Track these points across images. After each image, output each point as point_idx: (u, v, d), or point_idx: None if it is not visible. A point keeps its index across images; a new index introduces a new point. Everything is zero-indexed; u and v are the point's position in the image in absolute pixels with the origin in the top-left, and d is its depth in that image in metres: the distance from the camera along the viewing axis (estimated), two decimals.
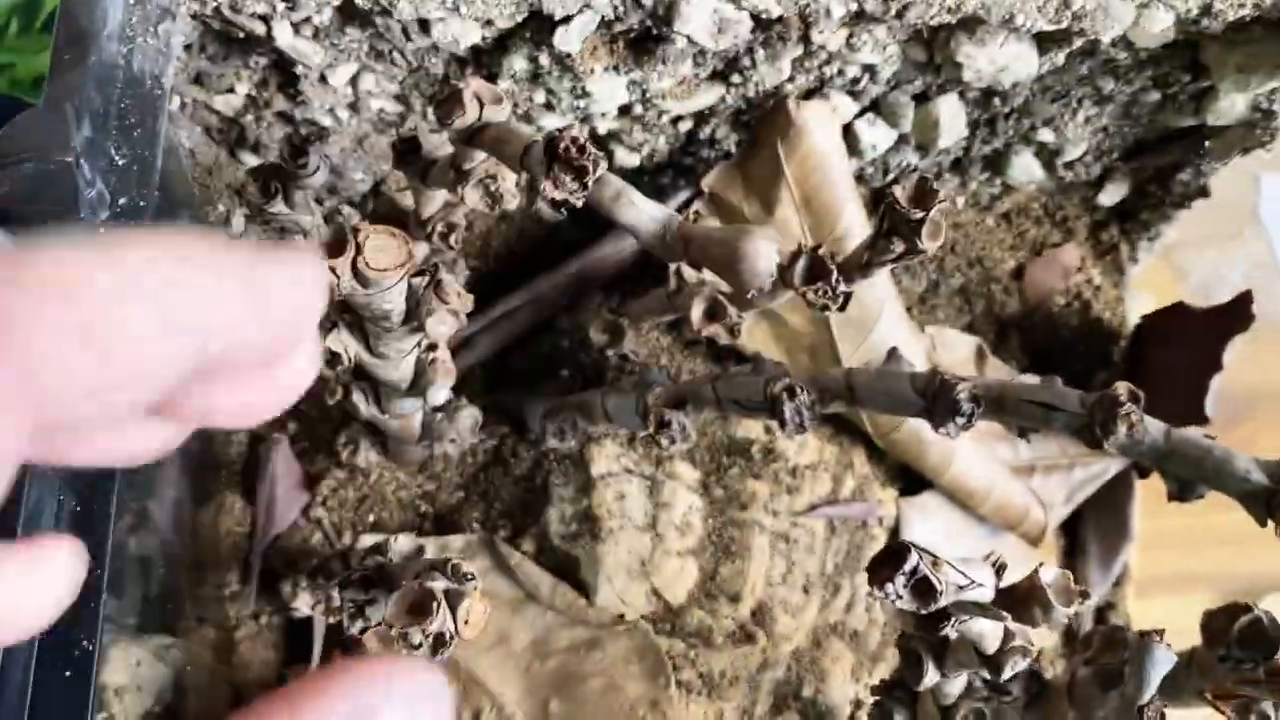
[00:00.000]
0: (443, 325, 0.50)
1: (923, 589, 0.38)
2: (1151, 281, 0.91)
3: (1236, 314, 0.64)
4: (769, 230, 0.40)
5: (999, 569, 0.41)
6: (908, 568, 0.37)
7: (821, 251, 0.50)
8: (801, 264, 0.50)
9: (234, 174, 0.64)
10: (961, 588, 0.39)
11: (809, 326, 0.66)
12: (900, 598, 0.38)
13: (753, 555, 0.65)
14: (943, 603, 0.38)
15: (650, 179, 0.69)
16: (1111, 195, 0.73)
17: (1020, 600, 0.42)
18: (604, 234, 0.70)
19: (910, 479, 0.71)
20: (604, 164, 0.40)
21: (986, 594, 0.40)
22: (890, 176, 0.70)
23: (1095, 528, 0.74)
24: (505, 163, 0.46)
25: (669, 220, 0.41)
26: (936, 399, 0.49)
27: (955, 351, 0.71)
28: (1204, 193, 0.68)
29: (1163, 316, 0.72)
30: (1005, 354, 0.75)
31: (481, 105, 0.46)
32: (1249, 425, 0.98)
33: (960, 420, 0.49)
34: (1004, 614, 0.41)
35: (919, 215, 0.46)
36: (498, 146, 0.46)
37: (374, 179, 0.68)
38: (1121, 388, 0.47)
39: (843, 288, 0.50)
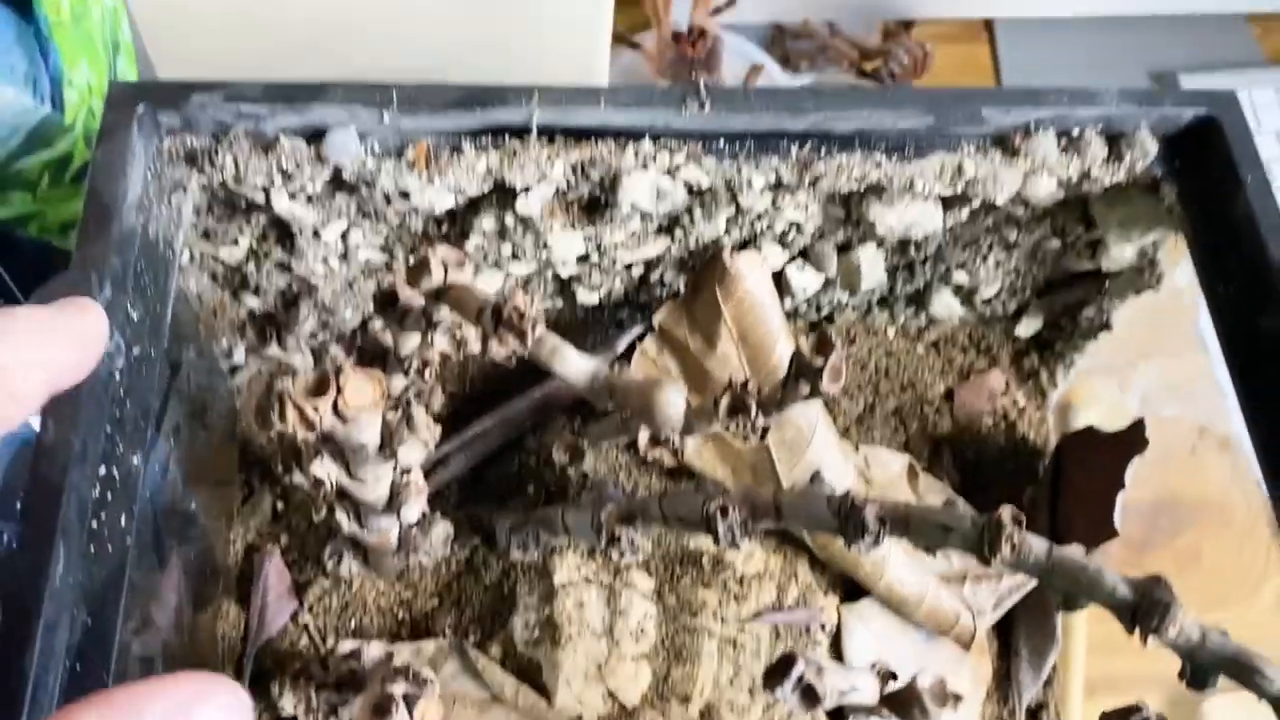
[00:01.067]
0: (413, 453, 0.58)
1: (808, 694, 0.44)
2: (1102, 397, 0.97)
3: (1133, 438, 0.70)
4: (678, 383, 0.47)
5: (884, 676, 0.48)
6: (794, 675, 0.44)
7: (749, 388, 0.57)
8: (725, 401, 0.57)
9: (236, 313, 0.71)
10: (844, 693, 0.45)
11: (751, 448, 0.73)
12: (789, 700, 0.44)
13: (702, 659, 0.71)
14: (827, 705, 0.44)
15: (609, 314, 0.77)
16: (1028, 328, 0.80)
17: (904, 703, 0.48)
18: None
19: (851, 587, 0.77)
20: (541, 326, 0.48)
21: (867, 697, 0.46)
22: (824, 313, 0.78)
23: (1024, 632, 0.79)
24: (465, 318, 0.54)
25: (597, 371, 0.49)
26: (848, 518, 0.56)
27: (888, 469, 0.77)
28: (1107, 326, 0.76)
29: (1077, 438, 0.79)
30: (939, 470, 0.81)
31: (446, 269, 0.54)
32: (1192, 534, 1.03)
33: (868, 538, 0.55)
34: (889, 714, 0.47)
35: (820, 363, 0.54)
36: (459, 305, 0.54)
37: (362, 316, 0.75)
38: (1005, 512, 0.53)
39: (760, 422, 0.58)
